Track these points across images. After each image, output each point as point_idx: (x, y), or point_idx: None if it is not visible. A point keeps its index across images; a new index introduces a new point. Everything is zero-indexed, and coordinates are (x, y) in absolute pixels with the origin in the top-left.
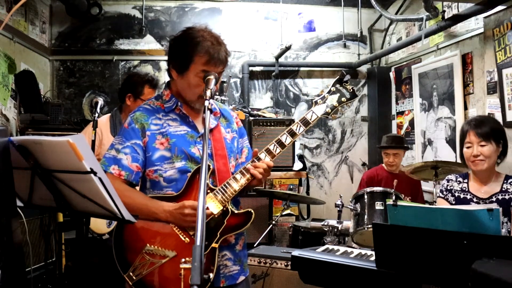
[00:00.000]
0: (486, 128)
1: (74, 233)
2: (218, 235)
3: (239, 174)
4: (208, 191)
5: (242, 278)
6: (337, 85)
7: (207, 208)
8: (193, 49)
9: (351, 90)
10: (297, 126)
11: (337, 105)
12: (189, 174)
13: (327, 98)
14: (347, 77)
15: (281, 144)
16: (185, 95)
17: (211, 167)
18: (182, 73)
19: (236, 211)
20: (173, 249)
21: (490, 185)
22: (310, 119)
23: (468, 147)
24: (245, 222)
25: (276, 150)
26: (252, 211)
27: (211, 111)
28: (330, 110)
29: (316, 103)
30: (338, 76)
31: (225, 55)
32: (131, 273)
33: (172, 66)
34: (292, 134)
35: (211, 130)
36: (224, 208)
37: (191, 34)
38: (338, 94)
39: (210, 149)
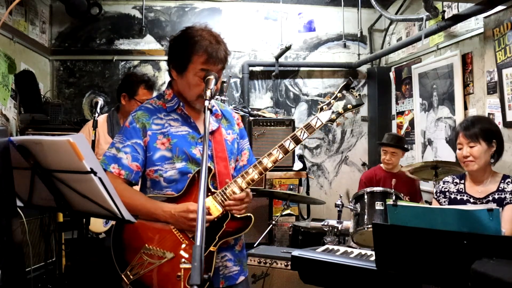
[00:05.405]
0: (475, 129)
1: (73, 233)
2: (217, 239)
3: (240, 178)
4: (209, 193)
5: (242, 278)
6: (344, 91)
7: (208, 210)
8: (191, 49)
9: (357, 97)
10: (301, 132)
11: (342, 111)
12: (189, 175)
13: (332, 104)
14: (354, 83)
15: (284, 150)
16: (186, 95)
17: (212, 169)
18: (181, 73)
19: (235, 215)
20: (171, 250)
21: (486, 184)
22: (315, 125)
23: (459, 149)
24: (244, 226)
25: (279, 156)
26: (252, 216)
27: (211, 111)
28: (335, 117)
29: (321, 109)
30: (344, 82)
31: (224, 54)
32: (128, 272)
33: (172, 66)
34: (296, 140)
35: (212, 132)
36: (224, 212)
37: (189, 33)
38: (344, 101)
39: (211, 151)
